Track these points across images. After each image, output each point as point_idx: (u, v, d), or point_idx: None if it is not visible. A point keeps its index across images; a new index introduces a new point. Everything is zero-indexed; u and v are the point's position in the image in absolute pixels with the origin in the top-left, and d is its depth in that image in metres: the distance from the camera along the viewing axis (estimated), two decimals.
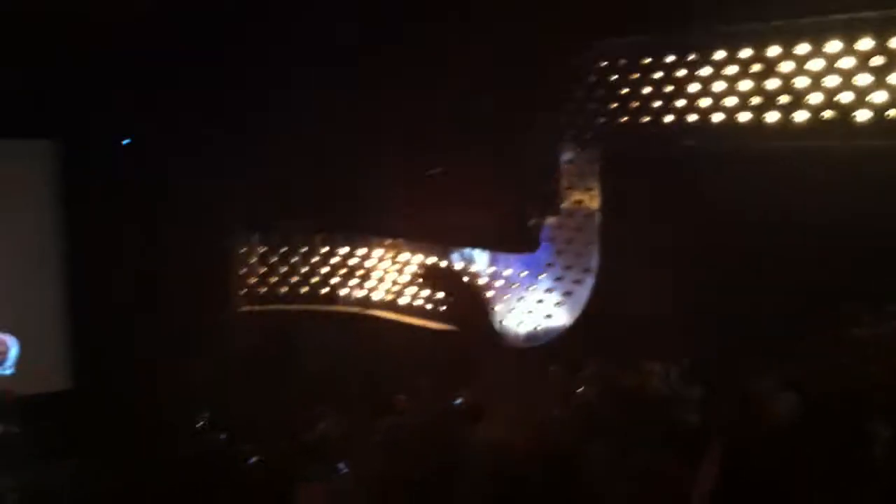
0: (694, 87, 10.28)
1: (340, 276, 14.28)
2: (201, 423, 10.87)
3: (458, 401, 8.87)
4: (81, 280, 13.50)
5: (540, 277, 12.01)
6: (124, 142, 13.62)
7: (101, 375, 13.02)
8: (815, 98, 9.30)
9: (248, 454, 8.96)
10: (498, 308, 12.44)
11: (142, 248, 13.17)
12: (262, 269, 14.35)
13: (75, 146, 13.33)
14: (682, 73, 10.42)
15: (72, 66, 12.11)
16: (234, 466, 8.83)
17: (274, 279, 14.33)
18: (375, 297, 14.03)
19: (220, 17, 12.29)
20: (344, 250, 14.30)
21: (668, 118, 10.47)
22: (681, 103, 10.38)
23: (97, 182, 12.98)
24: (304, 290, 14.33)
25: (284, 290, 14.32)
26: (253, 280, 14.30)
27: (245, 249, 14.29)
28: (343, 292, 14.33)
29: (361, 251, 14.21)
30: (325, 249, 14.32)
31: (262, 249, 14.36)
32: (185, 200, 12.95)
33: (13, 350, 13.31)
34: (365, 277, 14.18)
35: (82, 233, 13.39)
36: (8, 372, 13.28)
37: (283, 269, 14.34)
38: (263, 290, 14.32)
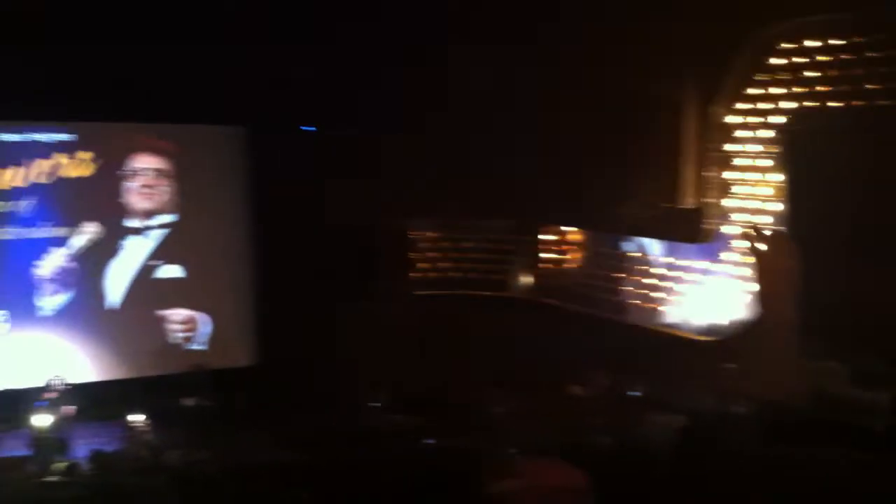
0: None
1: (511, 263, 14.28)
2: (378, 402, 11.16)
3: (635, 392, 8.68)
4: (267, 262, 14.11)
5: (719, 269, 11.54)
6: (308, 128, 14.09)
7: (284, 353, 13.55)
8: None
9: (423, 434, 9.09)
10: (675, 299, 12.07)
11: (324, 233, 13.58)
12: (436, 255, 14.56)
13: (264, 132, 13.90)
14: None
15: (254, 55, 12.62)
16: (409, 445, 8.97)
17: (447, 264, 14.51)
18: (548, 284, 13.94)
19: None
20: (515, 237, 14.28)
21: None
22: None
23: (284, 168, 13.49)
24: (476, 276, 14.42)
25: (457, 275, 14.47)
26: (427, 265, 14.53)
27: (419, 235, 14.51)
28: (515, 279, 14.33)
29: (534, 238, 14.15)
30: (498, 236, 14.34)
31: (435, 235, 14.55)
32: (365, 187, 13.25)
33: (205, 327, 14.20)
34: (536, 265, 14.12)
35: (269, 217, 13.97)
36: (200, 347, 14.19)
37: (456, 255, 14.50)
38: (436, 274, 14.51)
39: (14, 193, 12.76)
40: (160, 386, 12.69)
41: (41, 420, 10.91)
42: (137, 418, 11.08)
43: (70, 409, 11.61)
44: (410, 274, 14.48)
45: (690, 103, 11.51)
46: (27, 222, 12.87)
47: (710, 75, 11.22)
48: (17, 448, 10.92)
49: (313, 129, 14.15)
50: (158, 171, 13.69)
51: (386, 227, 13.86)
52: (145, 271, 13.71)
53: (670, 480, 5.95)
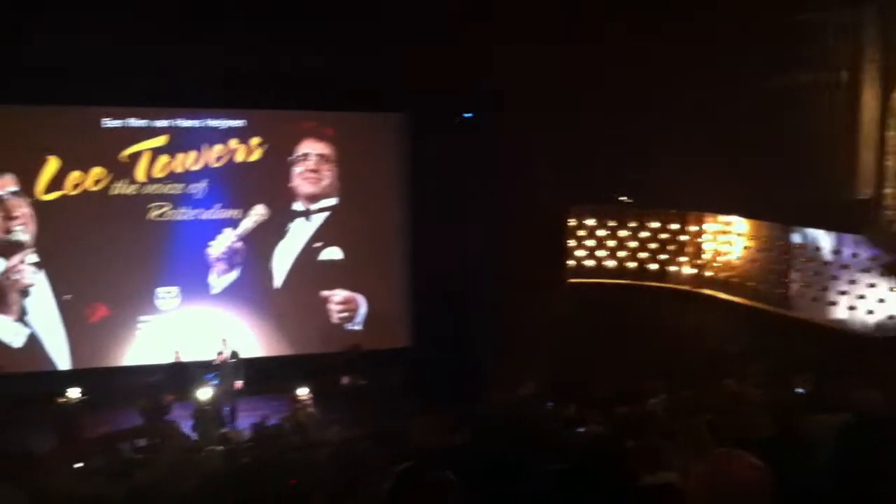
0: None
1: (670, 252, 13.91)
2: (530, 389, 11.12)
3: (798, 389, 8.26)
4: (424, 246, 14.35)
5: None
6: (467, 115, 14.20)
7: (438, 336, 13.76)
8: None
9: (575, 423, 8.98)
10: (843, 293, 11.43)
11: (478, 218, 13.68)
12: (592, 243, 14.36)
13: (423, 119, 14.11)
14: None
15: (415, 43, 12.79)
16: (561, 433, 8.88)
17: (603, 253, 14.29)
18: (707, 275, 13.51)
19: None
20: (675, 226, 13.89)
21: None
22: None
23: (442, 154, 13.64)
24: (633, 265, 14.14)
25: (612, 263, 14.24)
26: (583, 252, 14.36)
27: (576, 222, 14.36)
28: (673, 269, 13.95)
29: (693, 228, 13.73)
30: (656, 225, 13.99)
31: (591, 223, 14.35)
32: (523, 174, 13.22)
33: (362, 308, 14.62)
34: (696, 255, 13.70)
35: (426, 201, 14.21)
36: (357, 328, 14.62)
37: (613, 244, 14.26)
38: (592, 262, 14.33)
39: (190, 176, 13.51)
40: (320, 364, 13.14)
41: (204, 393, 11.54)
42: (301, 393, 11.52)
43: (237, 382, 12.25)
44: (567, 261, 14.35)
45: (869, 89, 10.84)
46: (201, 204, 13.61)
47: (891, 59, 10.52)
48: (183, 418, 11.62)
49: (472, 115, 14.23)
50: (322, 157, 14.17)
51: (543, 213, 13.76)
52: (308, 253, 14.24)
53: (833, 480, 5.66)
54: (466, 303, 13.62)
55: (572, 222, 14.44)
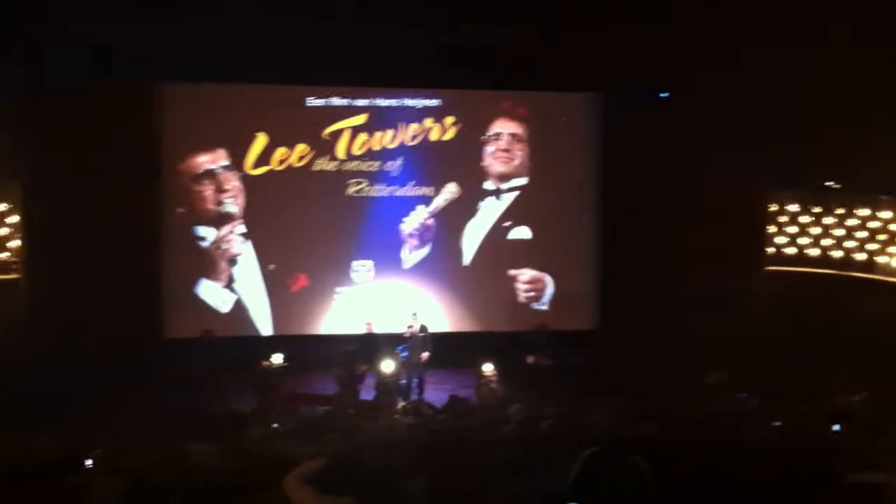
0: None
1: (881, 242, 12.93)
2: (720, 379, 10.73)
3: None
4: (613, 228, 14.14)
5: None
6: (661, 94, 13.80)
7: (625, 319, 13.53)
8: None
9: (769, 416, 8.60)
10: None
11: (673, 200, 13.27)
12: (794, 229, 13.58)
13: (617, 99, 13.87)
14: None
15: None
16: (755, 426, 8.52)
17: (805, 241, 13.49)
18: None
19: None
20: (887, 214, 12.89)
21: None
22: None
23: (635, 135, 13.36)
24: (838, 254, 13.27)
25: (815, 252, 13.41)
26: (783, 240, 13.62)
27: (776, 208, 13.63)
28: (883, 260, 12.97)
29: None
30: (866, 212, 13.04)
31: (794, 208, 13.57)
32: (721, 155, 12.69)
33: (549, 288, 14.61)
34: None
35: (616, 183, 13.96)
36: (543, 307, 14.63)
37: (816, 231, 13.42)
38: (793, 250, 13.57)
39: (387, 154, 13.95)
40: (505, 341, 13.25)
41: (388, 365, 11.91)
42: (486, 369, 11.66)
43: (425, 355, 12.56)
44: (766, 248, 13.67)
45: None
46: (396, 181, 14.03)
47: None
48: (368, 389, 12.06)
49: (668, 94, 13.82)
50: (514, 136, 14.24)
51: (741, 196, 13.16)
52: (497, 232, 14.37)
53: None
54: (657, 287, 13.27)
55: (773, 207, 13.70)
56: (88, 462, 6.63)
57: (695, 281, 12.83)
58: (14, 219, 12.88)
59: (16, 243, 12.80)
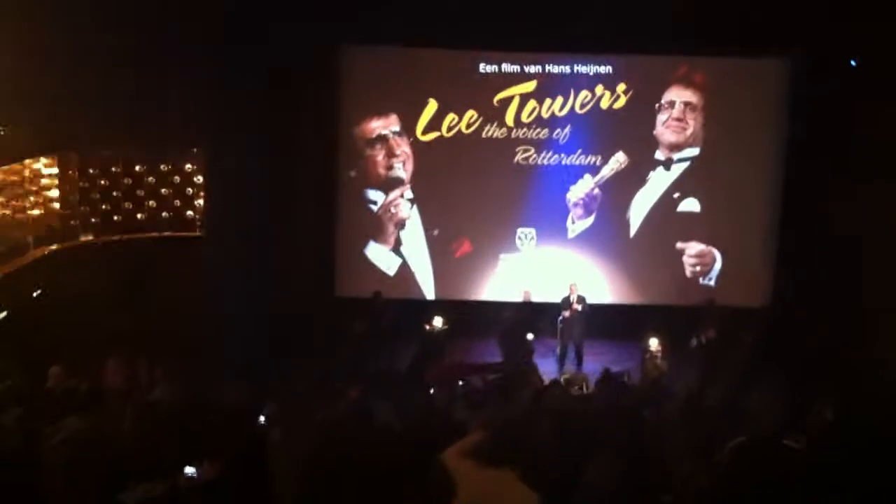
0: None
1: None
2: None
3: None
4: (792, 204, 13.44)
5: None
6: (853, 61, 12.91)
7: (798, 299, 12.92)
8: None
9: None
10: None
11: (863, 176, 12.28)
12: None
13: (807, 65, 13.08)
14: None
15: None
16: None
17: None
18: None
19: None
20: None
21: None
22: None
23: (824, 105, 12.56)
24: None
25: None
26: None
27: None
28: None
29: None
30: None
31: None
32: None
33: (718, 263, 14.13)
34: None
35: (803, 155, 13.20)
36: (710, 283, 14.18)
37: None
38: None
39: (555, 122, 13.81)
40: (670, 316, 12.91)
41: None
42: (652, 344, 11.47)
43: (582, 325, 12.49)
44: None
45: None
46: (563, 149, 13.87)
47: None
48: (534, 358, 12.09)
49: (859, 61, 12.89)
50: (689, 105, 13.75)
51: None
52: (665, 203, 14.00)
53: None
54: (837, 267, 12.50)
55: None
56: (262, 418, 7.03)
57: (882, 263, 12.01)
58: (198, 178, 13.67)
59: (200, 202, 13.61)
